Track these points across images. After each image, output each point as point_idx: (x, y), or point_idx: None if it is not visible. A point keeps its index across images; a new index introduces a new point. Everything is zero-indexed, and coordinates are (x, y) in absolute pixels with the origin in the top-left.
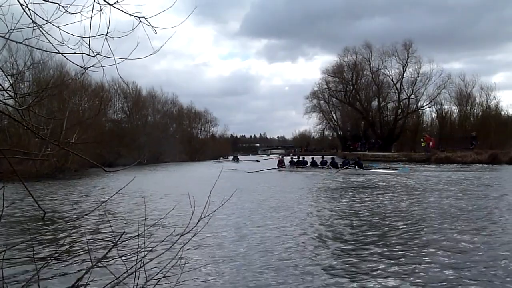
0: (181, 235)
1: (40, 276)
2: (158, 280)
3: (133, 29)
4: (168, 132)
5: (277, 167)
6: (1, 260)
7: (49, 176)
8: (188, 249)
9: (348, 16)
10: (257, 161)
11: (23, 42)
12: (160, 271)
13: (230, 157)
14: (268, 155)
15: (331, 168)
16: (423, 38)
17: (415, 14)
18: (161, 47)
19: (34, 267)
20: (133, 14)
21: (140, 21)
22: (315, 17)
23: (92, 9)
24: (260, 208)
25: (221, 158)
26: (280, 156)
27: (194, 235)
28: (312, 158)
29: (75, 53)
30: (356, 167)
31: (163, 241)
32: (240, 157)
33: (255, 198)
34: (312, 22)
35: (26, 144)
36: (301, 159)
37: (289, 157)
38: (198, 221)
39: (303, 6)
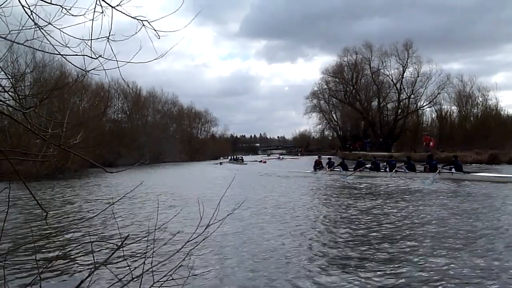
0: (188, 241)
1: (42, 277)
2: (163, 283)
3: (136, 33)
4: (168, 132)
5: (313, 170)
6: (4, 261)
7: (49, 177)
8: (195, 253)
9: (348, 17)
10: (264, 162)
11: (25, 44)
12: (168, 272)
13: (228, 158)
14: (269, 155)
15: (405, 171)
16: (422, 38)
17: (414, 15)
18: (167, 52)
19: (37, 268)
20: (136, 18)
21: (143, 25)
22: (314, 18)
23: (94, 11)
24: (277, 214)
25: (221, 158)
26: (317, 156)
27: (203, 239)
28: (374, 158)
29: (76, 54)
30: (453, 169)
31: (170, 244)
32: (245, 158)
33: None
34: (311, 22)
35: (26, 145)
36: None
37: (326, 157)
38: (206, 227)
39: (302, 7)
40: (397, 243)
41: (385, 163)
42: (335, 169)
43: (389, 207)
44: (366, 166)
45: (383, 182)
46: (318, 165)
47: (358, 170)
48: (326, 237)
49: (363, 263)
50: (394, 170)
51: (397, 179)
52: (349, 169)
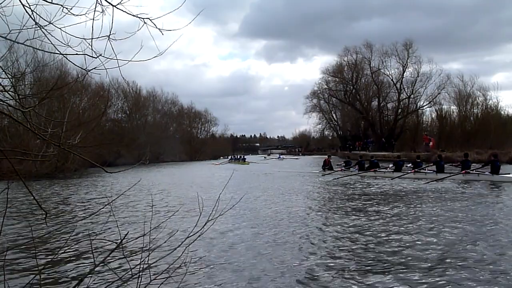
0: (187, 237)
1: (42, 276)
2: (162, 280)
3: (138, 30)
4: (168, 132)
5: (322, 170)
6: (3, 260)
7: (49, 176)
8: (193, 250)
9: (347, 17)
10: (266, 162)
11: (25, 43)
12: (165, 270)
13: (228, 157)
14: (268, 154)
15: (426, 172)
16: (421, 39)
17: (413, 15)
18: (166, 50)
19: (37, 267)
20: (138, 16)
21: (145, 23)
22: (313, 18)
23: (94, 10)
24: (270, 209)
25: (221, 158)
26: (327, 156)
27: (199, 235)
28: (398, 158)
29: (77, 54)
30: (489, 171)
31: (168, 241)
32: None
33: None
34: (310, 23)
35: (26, 144)
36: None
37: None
38: (205, 223)
39: (301, 7)
40: (387, 247)
41: (409, 164)
42: (351, 169)
43: (379, 209)
44: (389, 166)
45: (390, 182)
46: (327, 165)
47: (372, 170)
48: (327, 237)
49: (359, 263)
50: (413, 171)
51: (415, 180)
52: (366, 169)
